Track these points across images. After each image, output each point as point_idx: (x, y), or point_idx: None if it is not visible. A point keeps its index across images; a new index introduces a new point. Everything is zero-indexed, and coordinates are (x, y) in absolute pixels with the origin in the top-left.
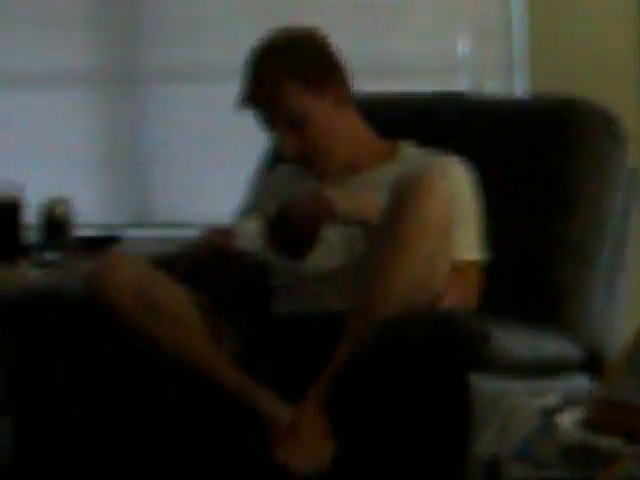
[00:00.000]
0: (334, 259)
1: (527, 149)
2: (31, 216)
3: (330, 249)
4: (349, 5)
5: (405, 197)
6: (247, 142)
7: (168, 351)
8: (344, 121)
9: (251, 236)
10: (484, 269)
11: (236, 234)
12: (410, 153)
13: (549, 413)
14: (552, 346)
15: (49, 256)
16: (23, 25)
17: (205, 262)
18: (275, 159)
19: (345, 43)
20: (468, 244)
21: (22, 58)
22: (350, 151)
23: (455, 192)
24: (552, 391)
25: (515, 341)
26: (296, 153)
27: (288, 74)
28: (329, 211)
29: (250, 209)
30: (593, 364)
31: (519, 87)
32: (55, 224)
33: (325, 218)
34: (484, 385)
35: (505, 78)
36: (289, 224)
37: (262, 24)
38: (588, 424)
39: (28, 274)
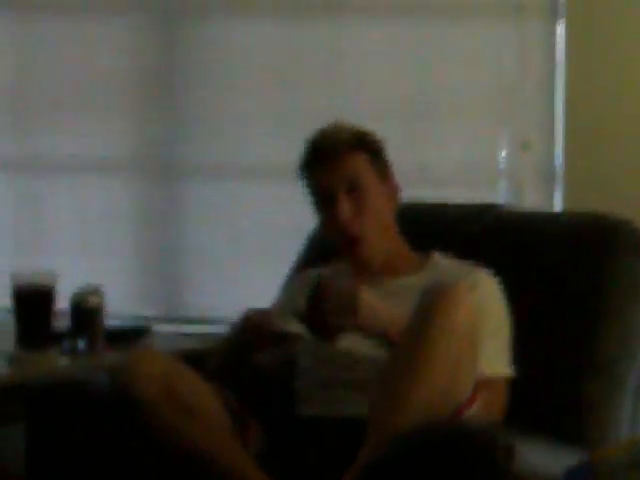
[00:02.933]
0: (359, 367)
1: (560, 265)
2: (63, 303)
3: (355, 357)
4: (389, 112)
5: (431, 307)
6: (281, 241)
7: (192, 447)
8: (393, 219)
9: (288, 320)
10: (510, 384)
11: (277, 316)
12: (442, 263)
13: None
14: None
15: (79, 344)
16: (62, 112)
17: (247, 344)
18: (310, 257)
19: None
20: (497, 358)
21: (59, 145)
22: (389, 252)
23: (485, 305)
24: None
25: (540, 457)
26: (352, 227)
27: (360, 146)
28: (354, 317)
29: (283, 306)
30: None
31: (558, 199)
32: (86, 313)
33: (350, 322)
34: None
35: (544, 189)
36: (321, 304)
37: (299, 127)
38: None
39: (57, 362)
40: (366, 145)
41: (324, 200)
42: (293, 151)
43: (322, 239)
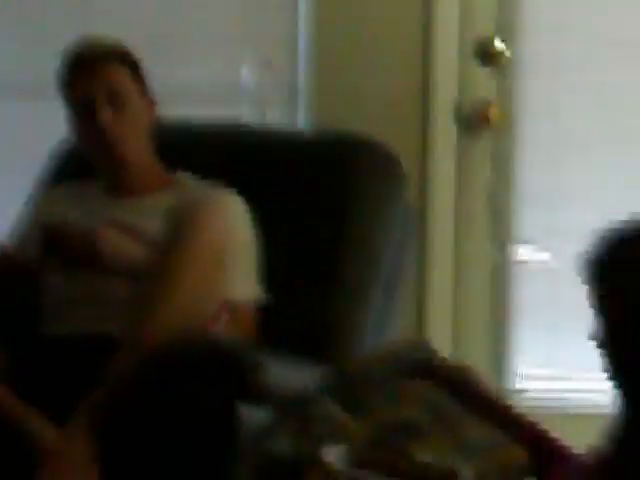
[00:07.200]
0: (108, 283)
1: (305, 185)
2: None
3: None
4: (134, 31)
5: (178, 228)
6: (26, 159)
7: None
8: (149, 132)
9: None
10: (261, 307)
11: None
12: (186, 183)
13: None
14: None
15: None
16: None
17: None
18: (60, 173)
19: None
20: (243, 282)
21: None
22: (143, 167)
23: (231, 228)
24: None
25: (288, 373)
26: (111, 130)
27: (121, 57)
28: (96, 260)
29: (32, 222)
30: None
31: (301, 118)
32: None
33: (91, 265)
34: (255, 415)
35: (288, 109)
36: (60, 249)
37: (47, 44)
38: (355, 461)
39: None
40: (126, 57)
41: (84, 108)
42: (40, 68)
43: (75, 153)
